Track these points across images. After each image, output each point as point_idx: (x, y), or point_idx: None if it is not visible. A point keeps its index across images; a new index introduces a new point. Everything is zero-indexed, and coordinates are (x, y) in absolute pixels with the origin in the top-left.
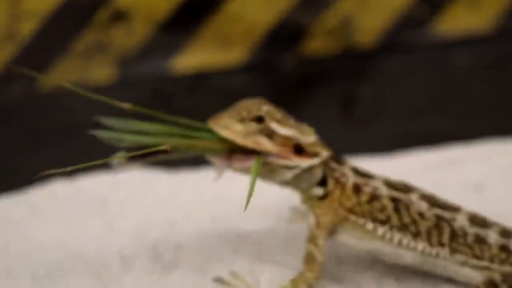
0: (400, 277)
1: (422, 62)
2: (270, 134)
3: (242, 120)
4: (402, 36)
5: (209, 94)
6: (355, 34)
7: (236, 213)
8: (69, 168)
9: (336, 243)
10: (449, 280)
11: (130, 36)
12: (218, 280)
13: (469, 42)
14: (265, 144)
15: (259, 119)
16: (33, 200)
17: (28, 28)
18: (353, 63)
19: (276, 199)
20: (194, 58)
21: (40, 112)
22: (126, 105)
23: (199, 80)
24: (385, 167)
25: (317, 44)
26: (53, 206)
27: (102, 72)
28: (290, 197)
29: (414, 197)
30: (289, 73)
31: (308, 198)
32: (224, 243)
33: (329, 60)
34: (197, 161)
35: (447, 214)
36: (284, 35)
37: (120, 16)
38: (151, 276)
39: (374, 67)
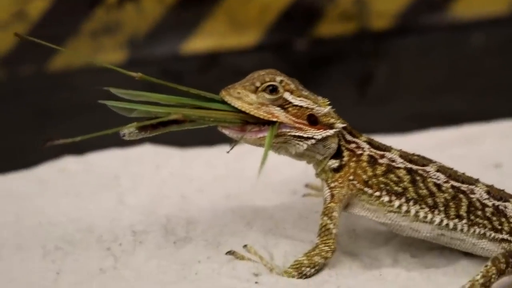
0: (416, 253)
1: (437, 43)
2: (284, 105)
3: (255, 91)
4: (418, 18)
5: (221, 74)
6: (370, 16)
7: (250, 189)
8: (78, 138)
9: (352, 217)
10: (466, 254)
11: (141, 17)
12: (232, 253)
13: (484, 23)
14: (278, 114)
15: (273, 90)
16: (43, 176)
17: (37, 8)
18: (368, 44)
19: (291, 176)
20: (206, 39)
21: (49, 91)
22: (137, 74)
23: (211, 60)
24: (401, 146)
25: (332, 25)
26: (63, 182)
27: (112, 52)
28: (305, 173)
29: (431, 169)
30: (303, 54)
31: (322, 171)
32: (237, 218)
33: (343, 41)
34: (209, 137)
35: (464, 187)
36: (298, 17)
37: None
38: (163, 250)
39: (389, 48)
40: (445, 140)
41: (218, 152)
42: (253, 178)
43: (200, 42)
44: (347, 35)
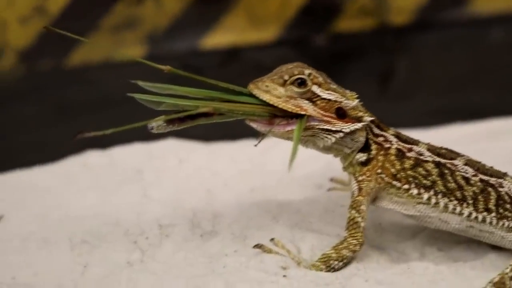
0: (443, 247)
1: (458, 38)
2: (312, 98)
3: (283, 84)
4: (438, 13)
5: (241, 69)
6: (390, 11)
7: (275, 183)
8: (109, 131)
9: (377, 211)
10: (494, 248)
11: (160, 12)
12: (259, 247)
13: (504, 19)
14: (307, 108)
15: (301, 83)
16: (68, 170)
17: (57, 3)
18: (387, 39)
19: (315, 170)
20: (225, 34)
21: (68, 86)
22: (166, 67)
23: (231, 55)
24: (424, 140)
25: (351, 21)
26: (88, 176)
27: (132, 47)
28: (329, 167)
29: (459, 162)
30: (322, 49)
31: (350, 165)
32: (263, 212)
33: (363, 36)
34: (232, 131)
35: (493, 180)
36: (317, 12)
37: None
38: (190, 243)
39: (409, 43)
40: (468, 135)
41: (241, 147)
42: (277, 172)
43: (220, 38)
44: (367, 30)
